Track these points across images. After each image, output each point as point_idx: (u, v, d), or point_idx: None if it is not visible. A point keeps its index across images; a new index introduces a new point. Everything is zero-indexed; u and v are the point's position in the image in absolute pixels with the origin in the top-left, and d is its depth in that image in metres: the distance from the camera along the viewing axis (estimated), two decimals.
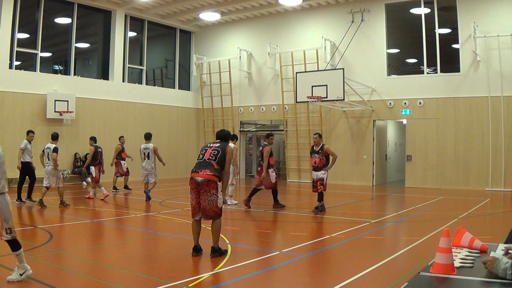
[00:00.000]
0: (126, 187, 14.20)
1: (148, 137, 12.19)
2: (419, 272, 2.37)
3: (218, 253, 5.88)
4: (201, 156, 6.03)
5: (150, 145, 12.09)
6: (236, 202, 11.29)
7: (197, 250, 5.92)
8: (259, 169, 10.55)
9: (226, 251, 6.10)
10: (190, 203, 5.96)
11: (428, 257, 5.25)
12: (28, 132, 11.37)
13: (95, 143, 12.32)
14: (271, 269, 5.59)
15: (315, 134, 10.26)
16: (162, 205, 11.36)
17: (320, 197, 10.06)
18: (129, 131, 18.35)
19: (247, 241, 7.28)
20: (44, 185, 10.56)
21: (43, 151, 10.81)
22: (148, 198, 11.71)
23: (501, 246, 2.81)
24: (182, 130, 20.76)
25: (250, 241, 7.35)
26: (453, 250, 2.56)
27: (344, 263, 6.11)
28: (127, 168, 14.10)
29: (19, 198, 10.90)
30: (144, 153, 12.10)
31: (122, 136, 14.61)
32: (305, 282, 5.05)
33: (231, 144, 6.30)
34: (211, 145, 6.13)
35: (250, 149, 22.23)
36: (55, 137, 10.87)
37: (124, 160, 14.03)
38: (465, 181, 15.11)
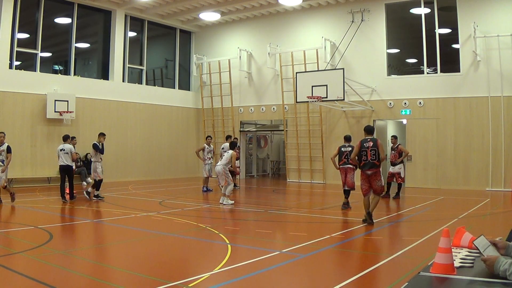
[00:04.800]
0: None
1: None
2: (419, 272, 2.37)
3: (370, 218, 8.20)
4: (364, 157, 8.26)
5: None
6: (233, 202, 11.27)
7: (365, 220, 8.24)
8: None
9: (371, 216, 8.26)
10: (361, 188, 8.44)
11: (428, 257, 5.25)
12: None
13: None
14: (271, 269, 5.59)
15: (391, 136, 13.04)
16: (162, 205, 11.36)
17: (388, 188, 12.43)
18: (129, 131, 18.35)
19: (247, 241, 7.28)
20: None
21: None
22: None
23: None
24: (182, 130, 20.74)
25: (250, 241, 7.35)
26: (453, 250, 2.55)
27: (344, 263, 6.11)
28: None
29: None
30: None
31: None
32: (305, 282, 5.05)
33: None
34: (367, 145, 8.26)
35: (250, 149, 22.18)
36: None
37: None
38: (465, 181, 15.10)
